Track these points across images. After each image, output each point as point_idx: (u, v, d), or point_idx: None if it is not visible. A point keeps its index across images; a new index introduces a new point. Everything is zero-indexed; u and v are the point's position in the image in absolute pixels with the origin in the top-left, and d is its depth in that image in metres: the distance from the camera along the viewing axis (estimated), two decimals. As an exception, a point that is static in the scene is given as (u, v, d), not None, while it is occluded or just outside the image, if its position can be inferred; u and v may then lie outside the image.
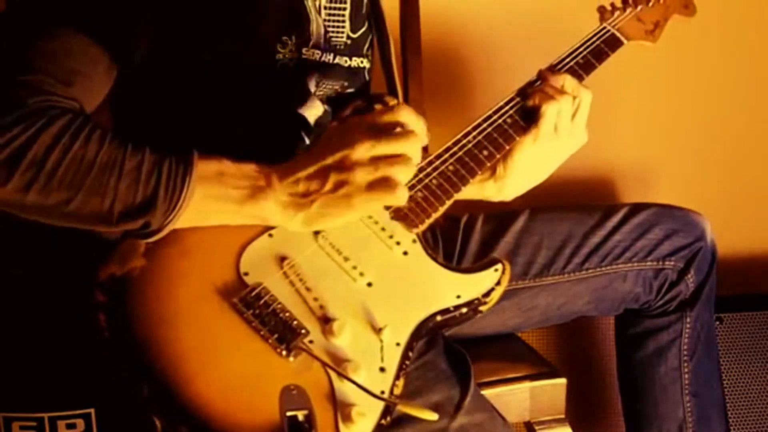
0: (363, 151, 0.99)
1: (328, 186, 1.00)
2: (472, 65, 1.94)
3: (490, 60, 1.93)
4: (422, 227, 1.13)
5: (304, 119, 1.18)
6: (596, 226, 1.43)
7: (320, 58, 1.17)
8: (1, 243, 1.25)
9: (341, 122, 1.09)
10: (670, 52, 1.99)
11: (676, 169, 2.08)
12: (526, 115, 1.23)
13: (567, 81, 1.24)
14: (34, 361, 1.24)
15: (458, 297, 1.09)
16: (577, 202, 1.57)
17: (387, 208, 1.12)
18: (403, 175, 1.00)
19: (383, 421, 0.99)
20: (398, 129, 1.02)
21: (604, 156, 2.04)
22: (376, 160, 0.99)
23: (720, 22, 2.02)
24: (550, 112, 1.21)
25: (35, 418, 1.22)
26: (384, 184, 0.99)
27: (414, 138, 1.02)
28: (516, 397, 1.38)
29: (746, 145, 2.10)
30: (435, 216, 1.14)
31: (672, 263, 1.43)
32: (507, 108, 1.23)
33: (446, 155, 1.17)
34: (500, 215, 1.47)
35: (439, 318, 1.08)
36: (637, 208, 1.46)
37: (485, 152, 1.19)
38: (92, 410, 1.24)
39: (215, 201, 1.00)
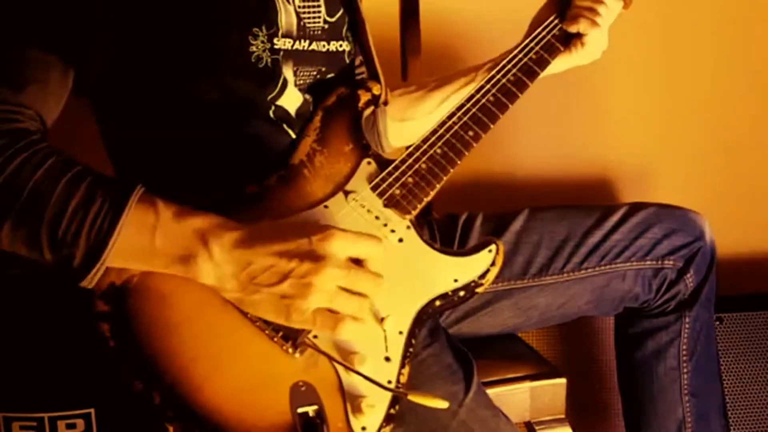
0: (328, 275, 0.96)
1: (279, 289, 0.96)
2: (471, 64, 1.93)
3: (489, 52, 1.92)
4: (415, 212, 1.13)
5: (286, 112, 1.18)
6: (595, 226, 1.43)
7: (293, 46, 1.17)
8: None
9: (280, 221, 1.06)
10: (669, 52, 1.99)
11: (676, 168, 2.07)
12: (508, 92, 1.23)
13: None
14: (34, 361, 1.24)
15: (455, 281, 1.10)
16: (576, 201, 1.57)
17: (380, 196, 1.13)
18: (353, 311, 0.98)
19: (392, 410, 1.00)
20: (367, 267, 1.00)
21: (603, 156, 2.04)
22: (336, 290, 0.97)
23: (719, 22, 2.02)
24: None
25: (35, 418, 1.22)
26: (329, 317, 0.98)
27: (379, 282, 1.00)
28: (516, 397, 1.38)
29: (746, 145, 2.10)
30: (426, 200, 1.14)
31: (671, 262, 1.43)
32: (488, 86, 1.23)
33: (433, 138, 1.17)
34: (499, 214, 1.47)
35: (438, 303, 1.09)
36: (636, 208, 1.46)
37: (471, 132, 1.19)
38: (92, 410, 1.23)
39: (142, 255, 0.97)
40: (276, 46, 1.14)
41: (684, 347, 1.46)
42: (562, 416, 1.41)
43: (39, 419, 1.23)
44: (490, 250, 1.12)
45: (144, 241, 0.96)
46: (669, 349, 1.46)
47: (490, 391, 1.28)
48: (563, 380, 1.40)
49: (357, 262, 1.00)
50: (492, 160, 1.87)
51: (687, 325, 1.45)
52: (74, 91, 1.08)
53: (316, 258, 0.96)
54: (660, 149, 2.07)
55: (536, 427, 1.41)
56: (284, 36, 1.15)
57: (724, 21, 2.02)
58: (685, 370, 1.46)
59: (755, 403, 1.87)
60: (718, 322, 1.86)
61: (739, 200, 2.11)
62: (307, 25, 1.19)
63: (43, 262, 0.97)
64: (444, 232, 1.44)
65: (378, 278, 1.00)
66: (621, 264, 1.42)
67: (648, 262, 1.43)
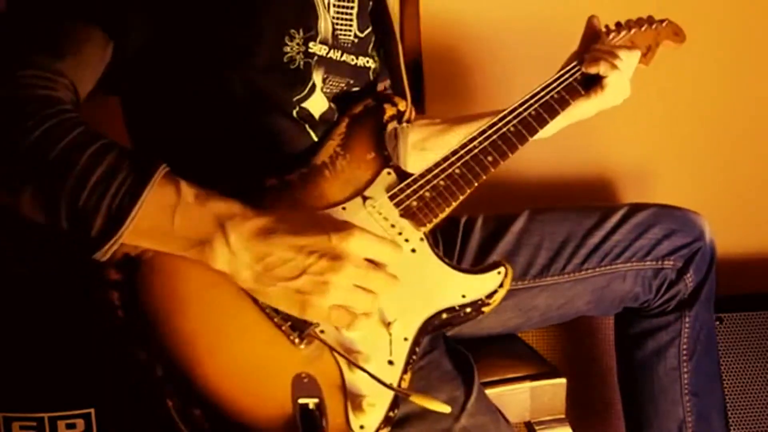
0: (346, 275, 0.96)
1: (295, 284, 0.96)
2: (472, 65, 1.94)
3: (490, 60, 1.93)
4: (430, 226, 1.15)
5: (309, 113, 1.19)
6: (595, 227, 1.44)
7: (327, 54, 1.18)
8: (6, 240, 1.25)
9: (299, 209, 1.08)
10: (670, 52, 1.99)
11: (675, 169, 2.08)
12: (528, 125, 1.25)
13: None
14: (34, 361, 1.24)
15: (463, 296, 1.11)
16: (577, 202, 1.57)
17: (397, 205, 1.14)
18: (366, 308, 0.99)
19: (391, 413, 1.00)
20: (384, 269, 1.01)
21: (603, 156, 2.04)
22: (352, 288, 0.97)
23: (719, 22, 2.02)
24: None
25: (35, 418, 1.22)
26: (344, 314, 0.98)
27: (395, 284, 1.01)
28: (516, 397, 1.38)
29: (745, 145, 2.10)
30: (442, 216, 1.16)
31: (671, 263, 1.43)
32: (510, 117, 1.25)
33: (453, 158, 1.19)
34: (500, 216, 1.48)
35: (444, 316, 1.10)
36: (635, 208, 1.46)
37: (490, 158, 1.21)
38: (92, 410, 1.23)
39: (159, 234, 0.97)
40: (311, 50, 1.15)
41: (684, 347, 1.46)
42: (562, 416, 1.42)
43: (39, 419, 1.22)
44: (499, 272, 1.14)
45: (162, 220, 0.96)
46: (669, 349, 1.46)
47: (490, 392, 1.29)
48: (563, 380, 1.41)
49: (373, 262, 1.00)
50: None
51: (687, 325, 1.46)
52: (102, 88, 1.08)
53: (335, 256, 0.96)
54: (660, 150, 2.07)
55: (536, 427, 1.42)
56: (321, 42, 1.16)
57: (724, 21, 2.02)
58: (685, 370, 1.46)
59: (755, 403, 1.87)
60: (718, 322, 1.86)
61: (739, 200, 2.11)
62: (340, 36, 1.20)
63: (59, 231, 0.96)
64: (445, 234, 1.44)
65: (395, 280, 1.01)
66: (621, 264, 1.42)
67: (648, 263, 1.43)
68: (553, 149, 1.98)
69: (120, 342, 0.98)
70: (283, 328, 1.00)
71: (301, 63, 1.14)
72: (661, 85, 2.03)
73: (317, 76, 1.18)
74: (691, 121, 2.07)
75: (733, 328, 1.89)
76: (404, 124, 1.26)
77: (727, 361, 1.86)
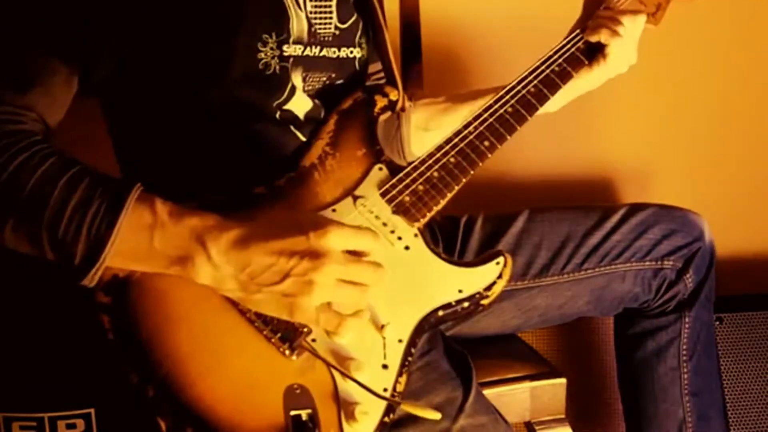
0: (328, 271, 0.96)
1: (280, 288, 0.96)
2: (472, 65, 1.93)
3: (490, 60, 1.92)
4: (424, 221, 1.13)
5: (292, 114, 1.18)
6: (595, 227, 1.43)
7: (303, 52, 1.17)
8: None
9: (287, 212, 1.07)
10: (670, 52, 1.99)
11: (675, 169, 2.08)
12: (527, 104, 1.23)
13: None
14: (34, 361, 1.24)
15: (460, 291, 1.10)
16: (576, 202, 1.57)
17: (389, 202, 1.13)
18: (355, 302, 0.99)
19: (386, 419, 1.00)
20: (366, 259, 0.99)
21: (603, 156, 2.04)
22: (337, 284, 0.97)
23: (720, 22, 2.02)
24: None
25: (35, 418, 1.22)
26: (333, 316, 0.98)
27: (379, 271, 0.99)
28: (516, 397, 1.38)
29: (745, 145, 2.10)
30: (436, 209, 1.14)
31: (671, 263, 1.43)
32: (507, 97, 1.22)
33: (447, 147, 1.17)
34: (500, 216, 1.47)
35: (441, 313, 1.08)
36: (635, 209, 1.46)
37: (486, 143, 1.18)
38: (92, 410, 1.23)
39: (141, 255, 0.98)
40: (285, 53, 1.14)
41: (684, 347, 1.46)
42: (562, 416, 1.42)
43: (39, 419, 1.22)
44: (497, 263, 1.12)
45: (142, 241, 0.97)
46: (669, 349, 1.46)
47: (490, 392, 1.29)
48: (563, 380, 1.41)
49: (356, 254, 0.99)
50: (492, 160, 1.87)
51: (687, 325, 1.45)
52: (83, 91, 1.08)
53: (314, 255, 0.95)
54: (660, 149, 2.07)
55: (536, 427, 1.42)
56: (295, 42, 1.15)
57: (724, 21, 2.02)
58: (685, 370, 1.46)
59: (755, 403, 1.87)
60: (718, 322, 1.86)
61: (739, 200, 2.11)
62: (318, 31, 1.19)
63: (45, 260, 0.97)
64: (446, 234, 1.44)
65: (378, 267, 1.00)
66: (621, 264, 1.42)
67: (647, 263, 1.43)
68: (553, 149, 1.99)
69: (111, 364, 0.99)
70: (273, 340, 1.00)
71: (277, 67, 1.13)
72: (661, 85, 2.03)
73: (296, 77, 1.17)
74: (691, 121, 2.07)
75: (733, 328, 1.89)
76: (401, 112, 1.25)
77: (727, 361, 1.86)
